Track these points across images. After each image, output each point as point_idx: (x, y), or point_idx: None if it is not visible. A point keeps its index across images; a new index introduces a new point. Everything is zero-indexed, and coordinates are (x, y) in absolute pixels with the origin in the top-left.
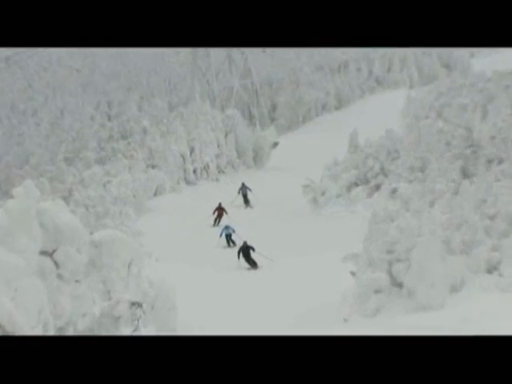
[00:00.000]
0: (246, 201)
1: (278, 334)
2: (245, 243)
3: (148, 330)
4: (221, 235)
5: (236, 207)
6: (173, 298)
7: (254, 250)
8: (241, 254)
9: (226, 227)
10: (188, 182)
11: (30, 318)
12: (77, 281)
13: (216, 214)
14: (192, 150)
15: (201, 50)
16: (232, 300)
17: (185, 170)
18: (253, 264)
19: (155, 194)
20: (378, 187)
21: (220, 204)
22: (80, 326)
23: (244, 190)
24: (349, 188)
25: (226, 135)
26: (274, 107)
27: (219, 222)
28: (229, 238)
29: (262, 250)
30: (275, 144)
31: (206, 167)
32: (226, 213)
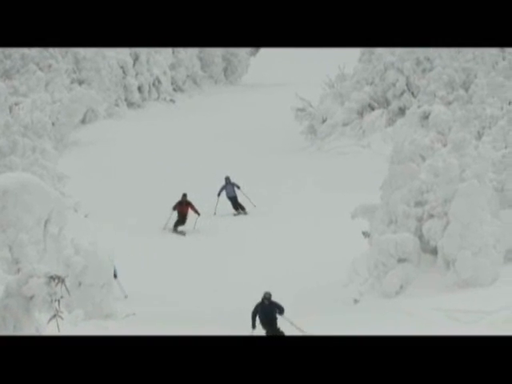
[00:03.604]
0: (237, 206)
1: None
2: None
3: (73, 315)
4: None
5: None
6: (109, 269)
7: (238, 187)
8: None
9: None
10: (130, 104)
11: None
12: None
13: (176, 211)
14: (136, 58)
15: None
16: (199, 271)
17: (125, 87)
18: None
19: (83, 122)
20: (402, 111)
21: (184, 196)
22: None
23: (230, 191)
24: (361, 112)
25: None
26: None
27: (182, 223)
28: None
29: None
30: (255, 49)
31: (157, 82)
32: (197, 213)
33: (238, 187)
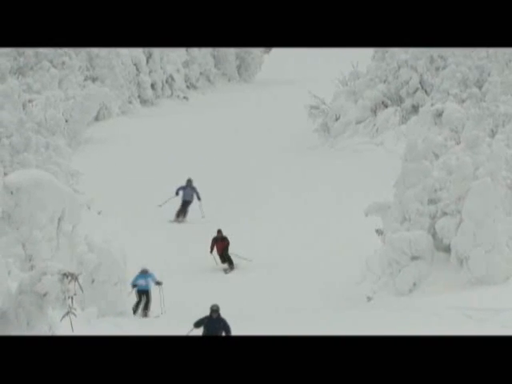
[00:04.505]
0: (184, 211)
1: (273, 320)
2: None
3: (87, 312)
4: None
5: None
6: (122, 266)
7: (199, 198)
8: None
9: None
10: (144, 101)
11: None
12: None
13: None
14: (149, 55)
15: None
16: (213, 272)
17: (139, 84)
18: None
19: (97, 119)
20: (415, 109)
21: (220, 233)
22: None
23: (187, 194)
24: (374, 110)
25: None
26: None
27: (228, 261)
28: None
29: (250, 197)
30: (269, 47)
31: (170, 80)
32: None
33: (199, 198)
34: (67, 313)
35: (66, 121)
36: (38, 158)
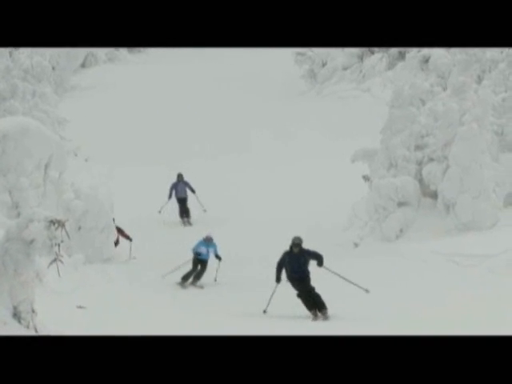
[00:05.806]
0: (184, 211)
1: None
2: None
3: (74, 259)
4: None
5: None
6: (109, 213)
7: (193, 191)
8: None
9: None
10: (130, 49)
11: None
12: None
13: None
14: None
15: None
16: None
17: None
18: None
19: (83, 66)
20: (402, 55)
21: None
22: None
23: (181, 190)
24: (361, 56)
25: None
26: None
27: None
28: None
29: (237, 143)
30: None
31: None
32: (129, 239)
33: (193, 191)
34: (54, 260)
35: (53, 68)
36: (25, 106)
